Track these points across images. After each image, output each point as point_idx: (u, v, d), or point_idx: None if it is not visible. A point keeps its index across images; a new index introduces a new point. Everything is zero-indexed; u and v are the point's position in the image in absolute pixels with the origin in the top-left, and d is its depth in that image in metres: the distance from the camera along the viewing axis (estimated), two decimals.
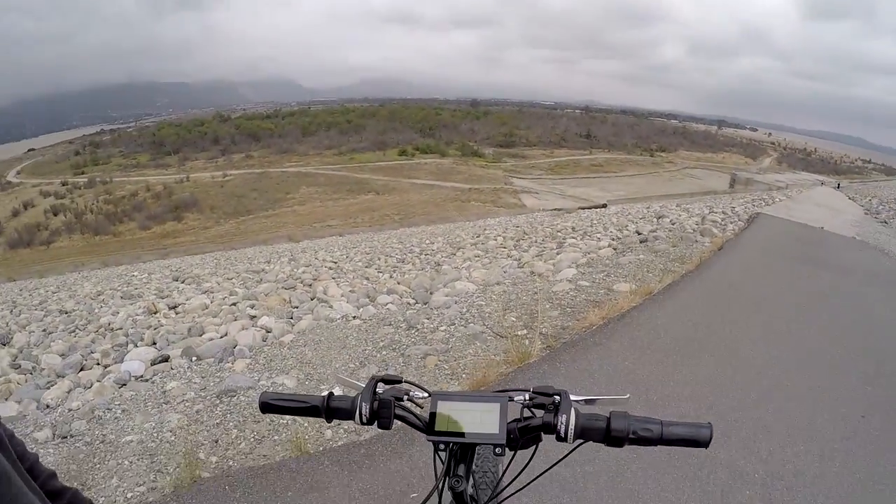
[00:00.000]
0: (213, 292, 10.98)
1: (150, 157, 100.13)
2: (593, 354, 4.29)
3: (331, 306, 7.59)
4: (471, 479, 1.01)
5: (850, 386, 4.11)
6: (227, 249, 31.11)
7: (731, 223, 12.14)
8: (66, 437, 3.27)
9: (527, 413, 1.00)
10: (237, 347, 5.44)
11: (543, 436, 0.97)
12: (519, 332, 4.73)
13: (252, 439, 3.13)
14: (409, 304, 7.50)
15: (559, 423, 0.92)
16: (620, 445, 0.91)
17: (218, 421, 3.31)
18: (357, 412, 1.00)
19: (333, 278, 11.49)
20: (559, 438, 0.92)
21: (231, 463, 2.90)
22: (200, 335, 6.79)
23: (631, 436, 0.90)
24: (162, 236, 52.87)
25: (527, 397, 1.02)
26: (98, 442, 3.15)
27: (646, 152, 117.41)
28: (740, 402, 3.74)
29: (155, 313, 9.02)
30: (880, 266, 9.09)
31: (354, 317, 6.63)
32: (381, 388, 1.04)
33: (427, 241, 18.68)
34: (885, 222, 16.33)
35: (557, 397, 0.96)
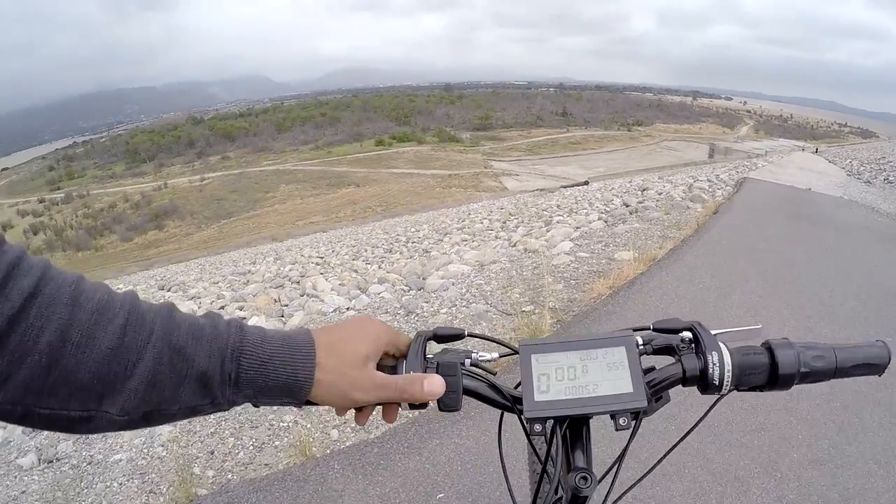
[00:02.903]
0: (200, 298, 10.89)
1: (126, 167, 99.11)
2: (608, 325, 4.06)
3: (322, 300, 7.42)
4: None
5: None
6: (211, 254, 31.16)
7: (720, 189, 12.01)
8: (51, 462, 2.96)
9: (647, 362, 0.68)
10: None
11: (678, 389, 0.67)
12: (525, 308, 4.48)
13: (251, 447, 2.85)
14: (403, 290, 7.29)
15: (710, 367, 0.63)
16: (788, 387, 0.65)
17: (212, 430, 3.03)
18: None
19: (321, 273, 11.36)
20: (707, 388, 0.64)
21: (230, 476, 2.63)
22: None
23: (803, 369, 0.64)
24: (144, 246, 52.18)
25: (641, 340, 0.68)
26: (85, 464, 2.86)
27: (623, 127, 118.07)
28: None
29: None
30: (873, 221, 9.04)
31: (348, 308, 6.42)
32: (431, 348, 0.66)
33: (412, 230, 18.45)
34: (869, 182, 16.37)
35: (688, 333, 0.67)
